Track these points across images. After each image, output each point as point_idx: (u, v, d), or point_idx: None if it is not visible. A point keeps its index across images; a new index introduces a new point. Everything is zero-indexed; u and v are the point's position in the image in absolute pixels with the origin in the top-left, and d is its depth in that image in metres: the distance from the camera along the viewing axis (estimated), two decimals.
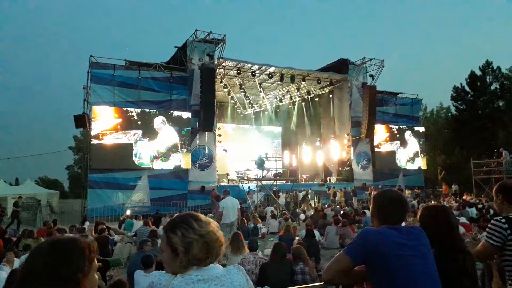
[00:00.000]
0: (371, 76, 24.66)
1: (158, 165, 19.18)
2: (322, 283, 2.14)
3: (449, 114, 38.92)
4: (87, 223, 13.49)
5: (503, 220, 2.49)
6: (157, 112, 19.41)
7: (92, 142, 18.00)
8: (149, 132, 19.11)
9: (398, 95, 27.64)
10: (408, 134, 27.00)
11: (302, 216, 15.06)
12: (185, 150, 19.87)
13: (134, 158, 18.62)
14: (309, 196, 20.27)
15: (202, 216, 1.55)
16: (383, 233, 1.95)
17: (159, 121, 19.43)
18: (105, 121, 18.18)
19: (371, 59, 24.90)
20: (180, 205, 18.20)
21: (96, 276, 1.32)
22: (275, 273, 5.02)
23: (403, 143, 26.75)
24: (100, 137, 18.00)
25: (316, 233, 9.38)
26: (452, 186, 24.80)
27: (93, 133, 17.95)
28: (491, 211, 11.87)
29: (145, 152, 18.91)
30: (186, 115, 20.01)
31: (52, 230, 10.30)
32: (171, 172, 19.52)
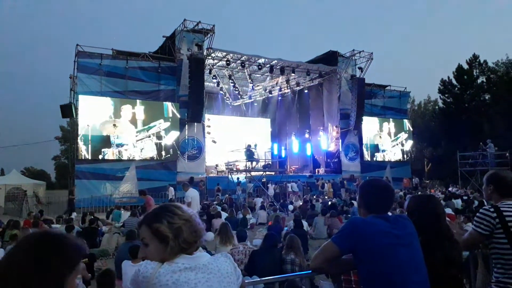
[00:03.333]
0: (360, 68, 24.77)
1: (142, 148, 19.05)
2: (310, 271, 2.15)
3: (436, 107, 39.40)
4: (74, 214, 13.37)
5: (492, 209, 2.52)
6: (147, 100, 19.26)
7: (79, 132, 17.77)
8: (136, 122, 18.98)
9: (387, 88, 27.83)
10: (394, 125, 27.25)
11: (290, 207, 15.15)
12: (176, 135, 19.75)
13: (116, 148, 18.45)
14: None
15: (180, 204, 1.56)
16: (370, 222, 1.96)
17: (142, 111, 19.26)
18: (91, 108, 17.96)
19: (360, 52, 24.99)
20: (168, 196, 18.14)
21: (77, 281, 1.28)
22: (265, 262, 5.03)
23: (390, 133, 27.02)
24: (85, 125, 17.79)
25: (305, 223, 9.45)
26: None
27: (79, 119, 17.73)
28: (476, 202, 12.11)
29: (130, 143, 18.79)
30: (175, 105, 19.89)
31: (39, 221, 10.19)
32: (159, 163, 19.40)
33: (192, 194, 9.74)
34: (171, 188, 16.92)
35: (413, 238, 1.98)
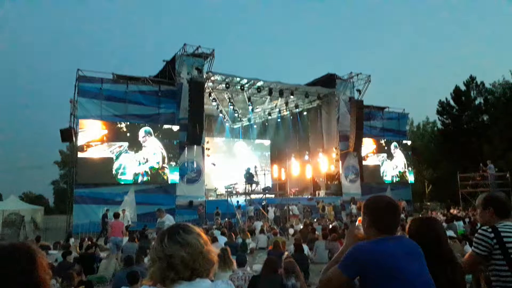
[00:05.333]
0: (358, 90, 25.00)
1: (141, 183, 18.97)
2: None
3: (435, 128, 39.54)
4: (72, 240, 13.18)
5: (490, 230, 2.53)
6: (146, 124, 19.32)
7: (78, 156, 17.77)
8: (136, 145, 18.99)
9: (385, 110, 28.00)
10: (393, 146, 27.24)
11: (291, 231, 14.96)
12: (174, 164, 19.73)
13: (114, 172, 18.35)
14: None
15: (193, 227, 1.52)
16: (375, 247, 1.89)
17: (143, 133, 19.25)
18: (91, 133, 18.01)
19: (358, 74, 25.27)
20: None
21: None
22: (265, 287, 4.93)
23: (390, 155, 26.98)
24: (85, 149, 17.79)
25: (305, 247, 9.31)
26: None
27: (78, 143, 17.76)
28: (478, 224, 11.98)
29: (129, 166, 18.70)
30: (175, 128, 19.96)
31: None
32: (158, 187, 19.31)
33: (169, 221, 9.69)
34: (127, 213, 16.54)
35: (421, 257, 1.94)
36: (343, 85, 25.48)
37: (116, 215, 11.07)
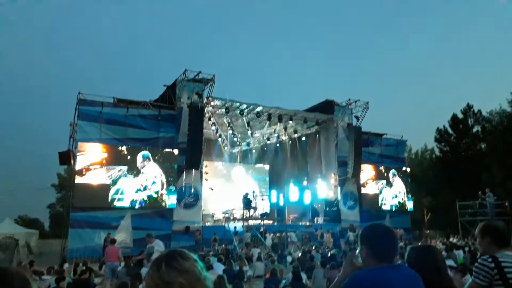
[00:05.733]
0: (356, 117, 25.18)
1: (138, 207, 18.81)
2: None
3: (434, 156, 39.64)
4: (66, 265, 12.94)
5: (490, 259, 2.51)
6: (146, 148, 19.33)
7: (76, 181, 17.68)
8: (135, 168, 18.94)
9: (383, 136, 28.13)
10: (392, 174, 27.19)
11: (289, 258, 14.75)
12: (173, 188, 19.62)
13: (111, 198, 18.14)
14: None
15: (189, 253, 1.49)
16: (375, 276, 1.87)
17: (141, 158, 19.16)
18: (90, 156, 17.98)
19: (356, 101, 25.52)
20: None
21: None
22: None
23: (389, 183, 26.91)
24: (84, 172, 17.71)
25: (303, 275, 9.16)
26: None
27: (77, 167, 17.68)
28: (478, 254, 11.80)
29: (127, 191, 18.56)
30: (175, 151, 19.96)
31: (28, 272, 9.85)
32: (155, 212, 19.14)
33: (158, 246, 9.73)
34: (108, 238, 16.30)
35: (420, 286, 1.93)
36: (341, 111, 25.70)
37: (113, 241, 10.98)
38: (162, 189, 19.38)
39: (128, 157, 18.86)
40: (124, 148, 18.86)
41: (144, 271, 9.20)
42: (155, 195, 19.16)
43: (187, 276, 1.36)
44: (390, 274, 1.86)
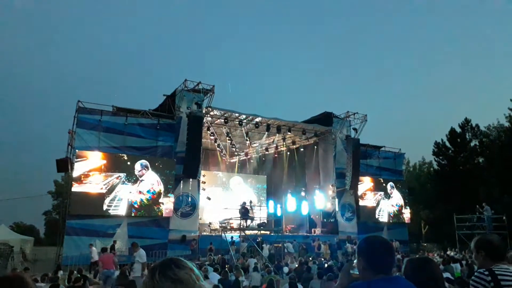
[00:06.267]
0: (355, 129, 25.27)
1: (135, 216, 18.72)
2: None
3: (432, 169, 39.69)
4: (60, 272, 12.82)
5: (486, 273, 2.52)
6: (144, 157, 19.30)
7: (73, 188, 17.60)
8: (134, 175, 18.87)
9: (381, 149, 28.19)
10: (390, 186, 27.16)
11: (285, 269, 14.64)
12: (170, 196, 19.53)
13: (106, 207, 18.00)
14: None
15: (186, 261, 1.47)
16: (373, 286, 1.87)
17: (139, 167, 19.09)
18: (88, 163, 17.92)
19: (354, 113, 25.62)
20: (158, 255, 17.56)
21: None
22: None
23: (387, 195, 26.87)
24: (82, 179, 17.62)
25: (300, 287, 9.10)
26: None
27: (75, 174, 17.60)
28: (475, 267, 11.77)
29: (124, 199, 18.47)
30: (172, 162, 19.93)
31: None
32: (151, 220, 19.03)
33: (139, 257, 10.04)
34: (94, 249, 16.12)
35: None
36: (339, 123, 25.78)
37: (104, 249, 11.00)
38: (158, 197, 19.30)
39: (128, 163, 18.81)
40: (123, 156, 18.82)
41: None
42: (150, 202, 19.05)
43: (181, 286, 1.34)
44: (385, 285, 1.85)
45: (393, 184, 27.38)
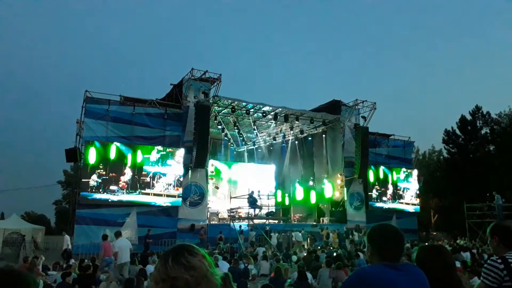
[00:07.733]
0: (364, 117, 25.00)
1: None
2: None
3: (441, 157, 39.31)
4: (72, 260, 13.01)
5: (499, 261, 2.46)
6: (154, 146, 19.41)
7: (82, 178, 17.76)
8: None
9: (390, 137, 27.92)
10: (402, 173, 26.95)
11: (294, 258, 14.69)
12: (179, 186, 19.66)
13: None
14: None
15: (198, 248, 1.46)
16: (380, 272, 1.87)
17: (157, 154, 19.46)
18: (96, 153, 18.09)
19: (363, 101, 25.35)
20: (168, 244, 17.72)
21: None
22: None
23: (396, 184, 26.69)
24: (89, 170, 17.79)
25: (309, 275, 9.11)
26: None
27: (84, 166, 17.76)
28: (485, 256, 11.71)
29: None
30: (182, 150, 20.01)
31: (34, 267, 9.91)
32: (161, 209, 19.18)
33: (120, 244, 10.21)
34: (66, 236, 16.33)
35: (425, 286, 1.91)
36: (348, 111, 25.55)
37: (104, 237, 11.19)
38: (170, 186, 19.46)
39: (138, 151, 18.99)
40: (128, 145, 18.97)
41: (149, 268, 9.22)
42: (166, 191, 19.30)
43: (193, 273, 1.34)
44: (392, 272, 1.86)
45: (403, 173, 27.15)
